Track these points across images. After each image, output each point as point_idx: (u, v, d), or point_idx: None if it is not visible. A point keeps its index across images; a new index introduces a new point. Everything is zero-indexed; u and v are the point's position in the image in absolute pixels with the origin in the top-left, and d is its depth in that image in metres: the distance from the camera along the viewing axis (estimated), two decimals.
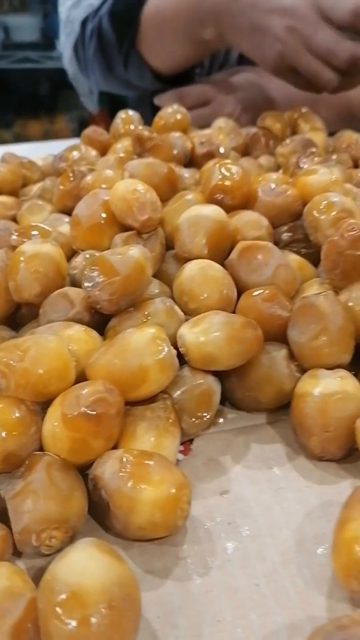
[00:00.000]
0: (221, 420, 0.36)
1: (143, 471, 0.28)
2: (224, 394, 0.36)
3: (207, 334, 0.33)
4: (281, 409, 0.36)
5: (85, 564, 0.24)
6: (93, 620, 0.22)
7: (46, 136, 2.56)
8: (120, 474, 0.28)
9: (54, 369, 0.32)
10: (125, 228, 0.42)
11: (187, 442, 0.35)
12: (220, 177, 0.43)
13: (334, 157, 0.62)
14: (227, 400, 0.37)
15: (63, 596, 0.23)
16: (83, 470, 0.30)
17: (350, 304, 0.35)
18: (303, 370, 0.35)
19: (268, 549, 0.28)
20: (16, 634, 0.23)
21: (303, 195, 0.43)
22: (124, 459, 0.29)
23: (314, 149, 0.58)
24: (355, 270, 0.36)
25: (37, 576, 0.26)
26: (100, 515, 0.30)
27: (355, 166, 0.63)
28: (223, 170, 0.43)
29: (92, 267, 0.36)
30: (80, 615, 0.22)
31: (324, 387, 0.32)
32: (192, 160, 0.58)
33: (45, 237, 0.43)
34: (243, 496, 0.31)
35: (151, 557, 0.29)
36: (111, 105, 1.84)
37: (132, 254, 0.36)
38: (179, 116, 0.65)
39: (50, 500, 0.28)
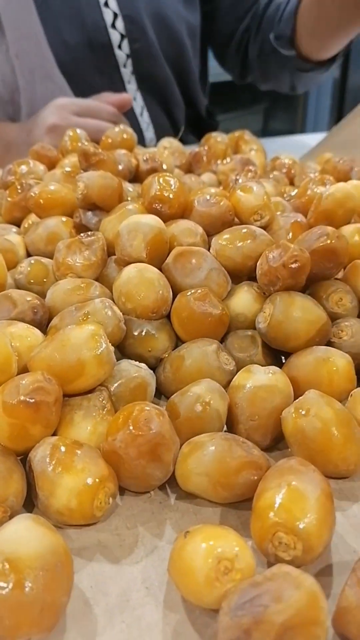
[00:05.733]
0: None
1: (68, 459, 0.30)
2: (159, 387, 0.38)
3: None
4: None
5: (21, 534, 0.26)
6: (27, 583, 0.24)
7: None
8: (48, 458, 0.30)
9: None
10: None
11: None
12: (158, 187, 0.45)
13: (272, 175, 0.66)
14: (162, 393, 0.39)
15: None
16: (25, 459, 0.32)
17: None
18: (233, 363, 0.38)
19: (195, 525, 0.31)
20: None
21: (236, 207, 0.46)
22: (56, 446, 0.31)
23: (252, 167, 0.62)
24: (287, 292, 0.39)
25: None
26: (32, 496, 0.31)
27: (291, 184, 0.67)
28: (161, 181, 0.46)
29: None
30: (14, 579, 0.24)
31: (255, 380, 0.35)
32: (136, 176, 0.61)
33: None
34: (175, 477, 0.33)
35: (87, 532, 0.30)
36: None
37: None
38: (125, 135, 0.69)
39: None
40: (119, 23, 0.93)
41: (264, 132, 2.45)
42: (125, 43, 0.94)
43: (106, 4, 0.92)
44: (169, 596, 0.27)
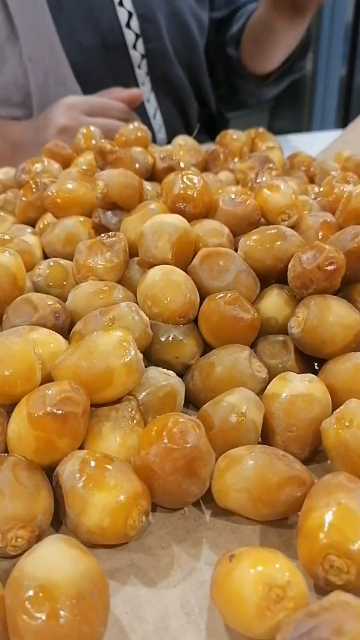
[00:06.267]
0: None
1: (99, 474, 0.28)
2: (188, 396, 0.36)
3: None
4: None
5: (54, 558, 0.24)
6: (62, 613, 0.22)
7: None
8: (78, 474, 0.28)
9: (20, 371, 0.32)
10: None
11: None
12: (182, 186, 0.43)
13: (291, 174, 0.64)
14: (191, 402, 0.37)
15: (31, 591, 0.23)
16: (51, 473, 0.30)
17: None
18: (265, 371, 0.36)
19: (233, 544, 0.29)
20: None
21: (263, 206, 0.45)
22: (85, 460, 0.29)
23: (271, 165, 0.60)
24: (321, 295, 0.37)
25: (3, 578, 0.26)
26: (59, 513, 0.29)
27: (311, 182, 0.65)
28: (185, 179, 0.44)
29: None
30: (49, 608, 0.22)
31: (292, 389, 0.33)
32: (153, 175, 0.60)
33: (5, 245, 0.43)
34: (209, 492, 0.32)
35: (119, 553, 0.29)
36: None
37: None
38: (139, 133, 0.67)
39: (16, 499, 0.27)
40: (134, 22, 0.91)
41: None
42: (140, 43, 0.93)
43: (120, 3, 0.90)
44: (211, 623, 0.25)
